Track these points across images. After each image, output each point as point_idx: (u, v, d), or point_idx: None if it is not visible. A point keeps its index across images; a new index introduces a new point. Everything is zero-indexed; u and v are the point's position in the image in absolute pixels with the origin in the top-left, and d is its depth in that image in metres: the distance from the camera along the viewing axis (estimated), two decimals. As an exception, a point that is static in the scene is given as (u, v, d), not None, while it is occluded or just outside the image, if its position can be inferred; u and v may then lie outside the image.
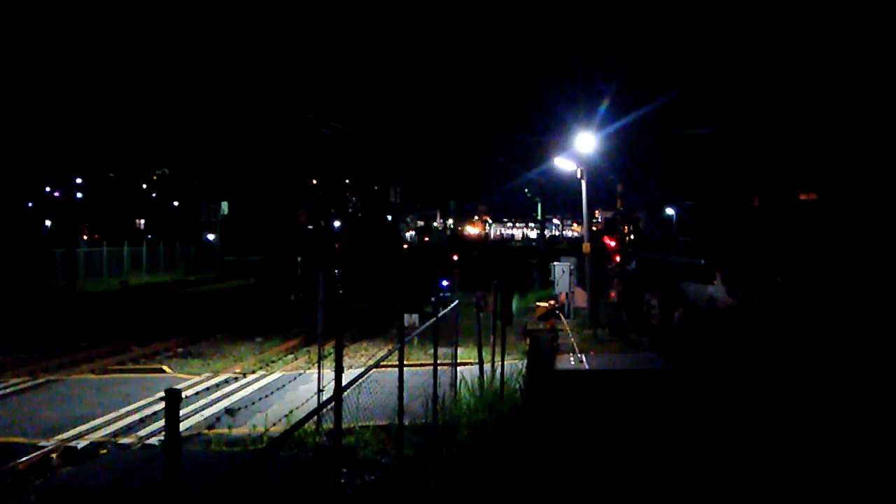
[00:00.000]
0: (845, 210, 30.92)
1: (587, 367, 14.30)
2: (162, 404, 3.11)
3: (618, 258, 19.13)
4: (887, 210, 28.93)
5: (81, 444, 8.99)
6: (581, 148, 19.21)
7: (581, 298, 20.04)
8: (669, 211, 54.64)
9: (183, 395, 3.32)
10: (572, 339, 17.05)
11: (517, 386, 11.23)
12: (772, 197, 37.78)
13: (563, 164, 20.95)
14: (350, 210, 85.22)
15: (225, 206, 42.50)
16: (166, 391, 3.00)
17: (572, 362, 14.65)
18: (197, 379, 12.95)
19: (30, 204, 51.64)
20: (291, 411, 8.22)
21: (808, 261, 27.45)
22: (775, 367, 13.96)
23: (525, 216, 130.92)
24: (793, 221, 33.26)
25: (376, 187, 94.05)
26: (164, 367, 14.06)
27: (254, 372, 12.84)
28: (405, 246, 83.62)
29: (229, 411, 10.06)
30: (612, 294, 18.66)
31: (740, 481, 7.70)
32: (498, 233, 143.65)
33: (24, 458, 8.38)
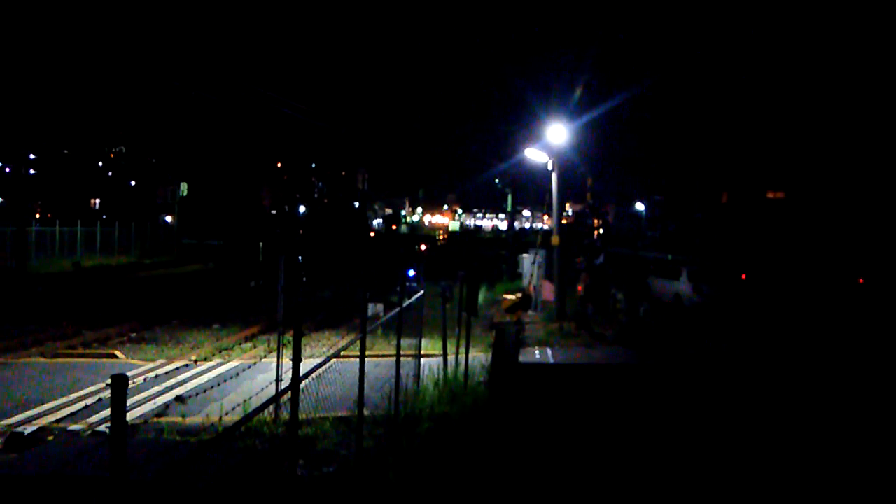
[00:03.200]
0: (812, 209, 31.67)
1: (552, 360, 14.25)
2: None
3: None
4: (852, 210, 29.71)
5: (28, 429, 8.60)
6: (553, 139, 19.14)
7: (548, 291, 20.02)
8: (639, 205, 55.25)
9: (136, 381, 3.13)
10: (538, 332, 17.02)
11: (481, 378, 11.11)
12: (740, 194, 38.55)
13: (535, 155, 20.87)
14: (315, 195, 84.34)
15: (184, 186, 41.57)
16: (112, 377, 2.88)
17: (538, 355, 14.58)
18: (151, 365, 12.53)
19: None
20: (247, 400, 7.96)
21: (772, 259, 27.98)
22: (737, 362, 14.11)
23: (496, 207, 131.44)
24: (759, 219, 34.01)
25: (344, 173, 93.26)
26: (117, 353, 13.59)
27: (210, 359, 12.46)
28: (372, 234, 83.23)
29: (180, 399, 9.72)
30: (580, 288, 18.68)
31: (701, 472, 7.69)
32: (467, 223, 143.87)
33: (-34, 444, 7.97)
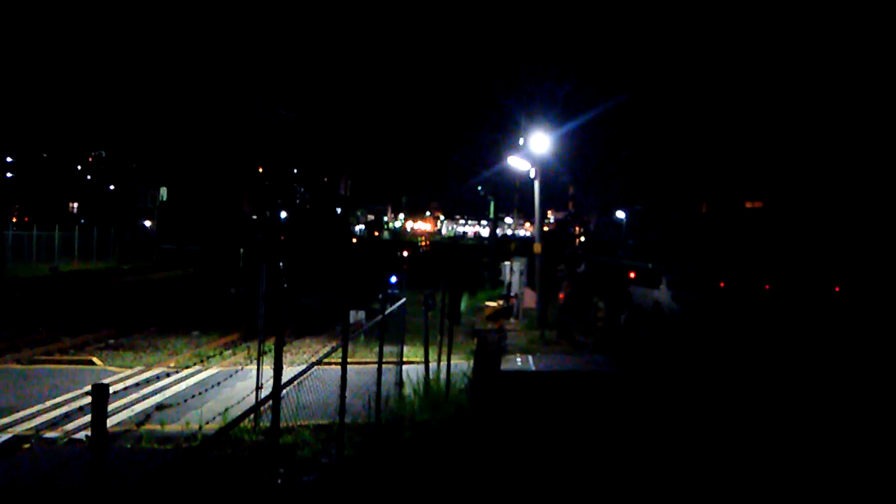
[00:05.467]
0: (789, 218, 32.14)
1: (533, 368, 14.32)
2: (90, 398, 2.89)
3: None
4: (830, 220, 30.19)
5: (3, 437, 8.50)
6: (535, 148, 19.29)
7: (530, 299, 20.12)
8: (620, 214, 55.53)
9: (114, 388, 3.12)
10: (520, 340, 17.10)
11: (463, 386, 11.14)
12: (718, 204, 39.01)
13: (518, 163, 21.02)
14: (297, 201, 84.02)
15: (164, 191, 41.10)
16: (93, 386, 2.85)
17: (519, 363, 14.65)
18: (129, 372, 12.40)
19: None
20: (228, 409, 7.92)
21: (750, 267, 28.31)
22: (716, 370, 14.28)
23: (478, 214, 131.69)
24: (737, 228, 34.53)
25: (326, 179, 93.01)
26: (94, 359, 13.43)
27: (189, 366, 12.36)
28: (354, 240, 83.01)
29: (160, 407, 9.64)
30: (561, 296, 18.79)
31: (678, 479, 7.76)
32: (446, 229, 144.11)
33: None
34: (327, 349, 7.03)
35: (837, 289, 23.05)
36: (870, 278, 23.27)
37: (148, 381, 11.04)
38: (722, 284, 22.95)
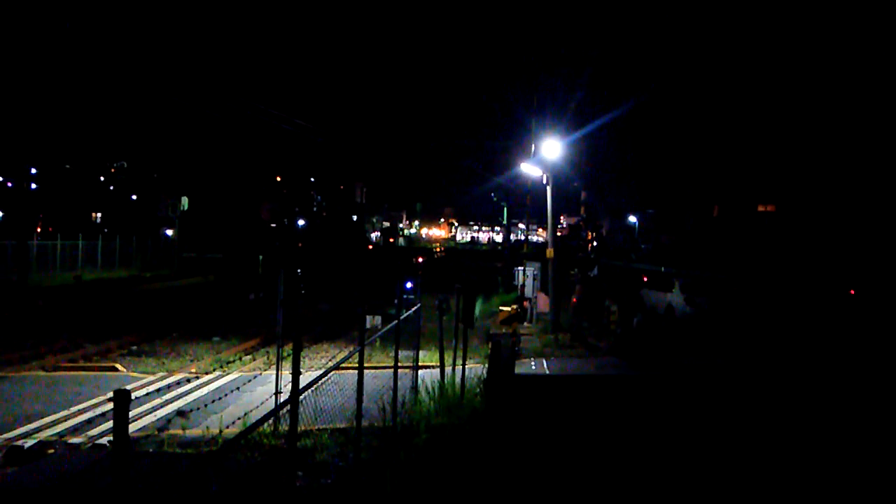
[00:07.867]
0: (802, 221, 31.89)
1: (547, 371, 14.41)
2: (113, 403, 3.02)
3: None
4: (842, 222, 29.94)
5: (28, 443, 8.70)
6: (547, 154, 19.37)
7: (544, 303, 20.18)
8: (632, 218, 55.38)
9: (136, 394, 3.28)
10: (534, 344, 17.17)
11: (478, 390, 11.24)
12: (731, 207, 38.83)
13: (530, 169, 21.10)
14: (314, 209, 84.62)
15: (185, 201, 41.61)
16: (115, 392, 2.94)
17: (533, 367, 14.74)
18: (151, 378, 12.65)
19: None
20: (247, 413, 8.12)
21: (763, 270, 28.15)
22: (729, 373, 14.26)
23: (491, 220, 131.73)
24: (750, 232, 34.25)
25: (342, 186, 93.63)
26: (118, 366, 13.71)
27: (210, 372, 12.59)
28: (370, 247, 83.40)
29: (181, 413, 9.85)
30: (574, 300, 18.83)
31: (691, 482, 7.82)
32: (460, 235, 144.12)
33: (-35, 458, 8.06)
34: (344, 354, 7.18)
35: (853, 291, 22.88)
36: (885, 281, 23.04)
37: (170, 387, 11.25)
38: (735, 288, 22.88)
